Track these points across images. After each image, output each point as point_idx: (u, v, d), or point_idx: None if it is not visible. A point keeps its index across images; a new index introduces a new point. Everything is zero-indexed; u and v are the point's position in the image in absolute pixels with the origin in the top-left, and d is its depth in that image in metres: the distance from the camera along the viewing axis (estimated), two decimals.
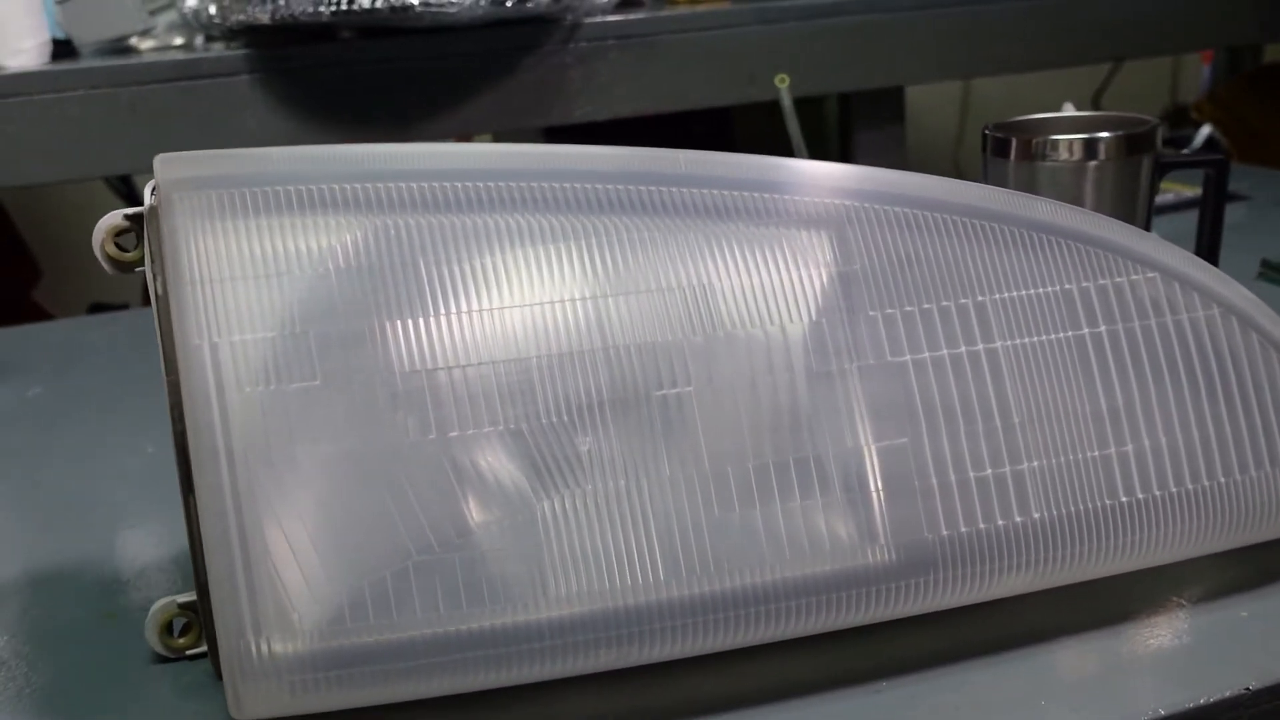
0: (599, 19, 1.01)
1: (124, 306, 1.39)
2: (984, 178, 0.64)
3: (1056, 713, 0.37)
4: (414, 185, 0.37)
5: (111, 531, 0.55)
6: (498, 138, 1.60)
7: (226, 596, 0.34)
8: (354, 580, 0.34)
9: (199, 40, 1.06)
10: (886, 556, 0.37)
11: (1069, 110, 0.76)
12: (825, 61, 1.08)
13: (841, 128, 1.19)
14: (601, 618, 0.35)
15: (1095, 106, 1.80)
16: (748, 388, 0.37)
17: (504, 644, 0.35)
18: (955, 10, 1.12)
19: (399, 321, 0.35)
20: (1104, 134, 0.60)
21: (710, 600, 0.36)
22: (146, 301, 1.41)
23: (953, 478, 0.38)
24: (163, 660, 0.43)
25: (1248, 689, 0.37)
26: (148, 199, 0.39)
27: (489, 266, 0.36)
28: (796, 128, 0.76)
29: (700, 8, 1.10)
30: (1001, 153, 0.63)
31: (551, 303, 0.36)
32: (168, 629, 0.43)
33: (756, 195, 0.38)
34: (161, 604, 0.43)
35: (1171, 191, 0.94)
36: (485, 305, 0.36)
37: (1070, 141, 0.60)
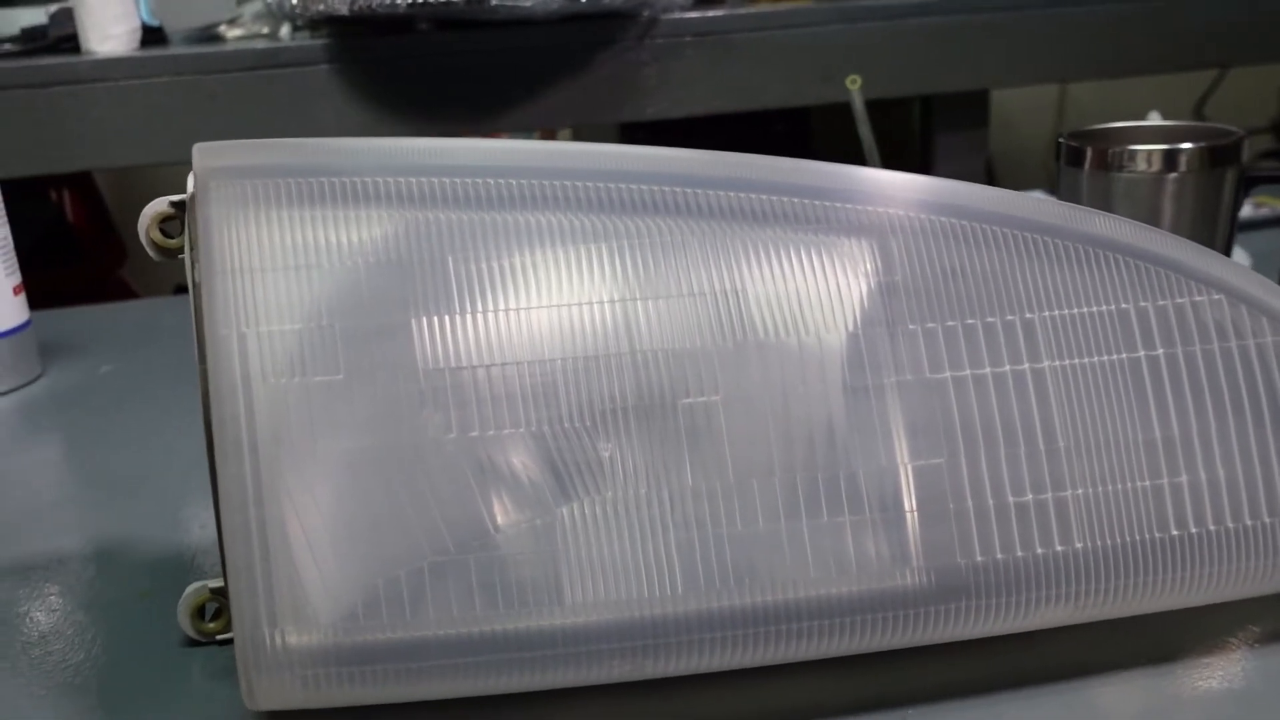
0: (675, 15, 1.00)
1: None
2: (1057, 187, 0.61)
3: None
4: (447, 180, 0.37)
5: (160, 511, 0.56)
6: (576, 133, 1.60)
7: (244, 587, 0.34)
8: (371, 577, 0.34)
9: (284, 30, 1.08)
10: (917, 580, 0.36)
11: (1155, 118, 0.73)
12: (906, 62, 1.06)
13: (923, 131, 1.16)
14: (617, 628, 0.35)
15: (1198, 115, 1.73)
16: (779, 399, 0.36)
17: (518, 649, 0.34)
18: (1045, 11, 1.08)
19: (425, 318, 0.35)
20: (1185, 145, 0.58)
21: (730, 616, 0.35)
22: None
23: (990, 502, 0.36)
24: (194, 644, 0.44)
25: None
26: (190, 187, 0.40)
27: (518, 265, 0.36)
28: (868, 130, 0.74)
29: (780, 5, 1.09)
30: (1076, 162, 0.60)
31: (579, 304, 0.36)
32: (199, 613, 0.43)
33: (797, 201, 0.37)
34: (194, 588, 0.43)
35: (1267, 207, 0.90)
36: (512, 305, 0.35)
37: (1149, 152, 0.58)
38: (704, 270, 0.36)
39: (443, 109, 0.99)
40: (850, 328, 0.36)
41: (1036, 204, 0.38)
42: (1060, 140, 0.61)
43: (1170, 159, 0.58)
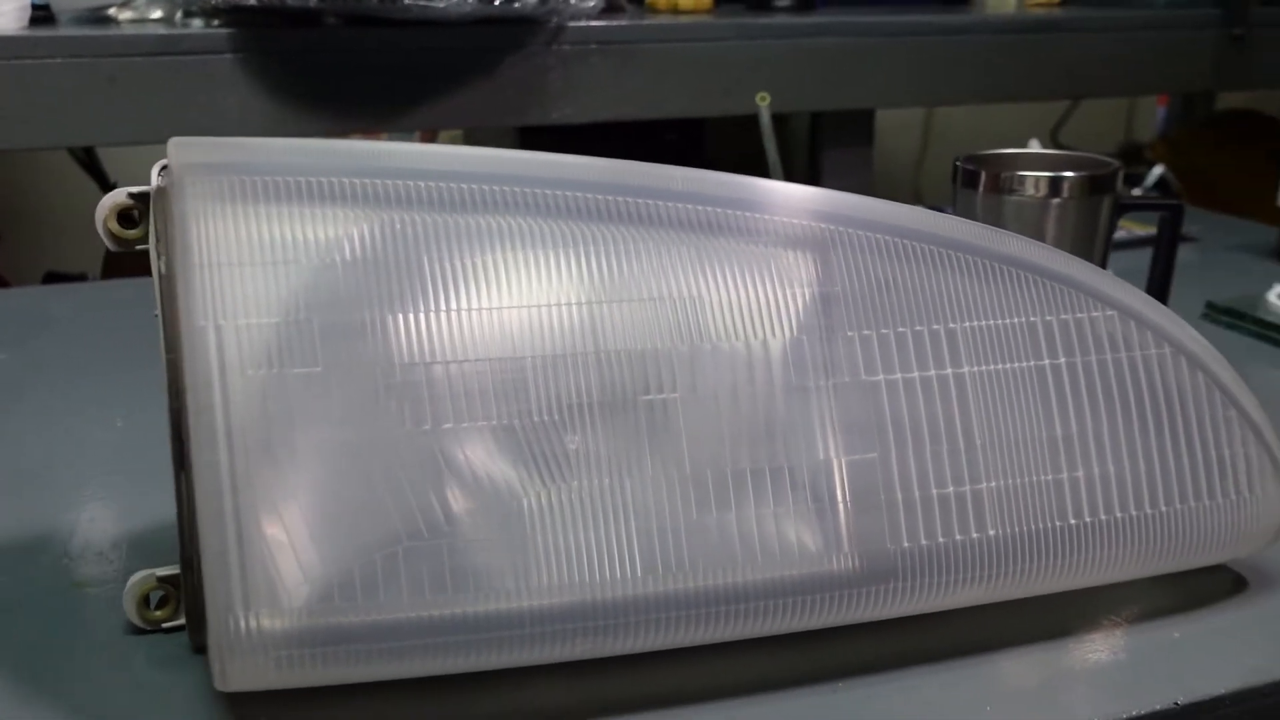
0: (583, 23, 1.03)
1: (81, 277, 1.37)
2: (953, 207, 0.66)
3: (995, 719, 0.39)
4: (420, 184, 0.38)
5: (81, 502, 0.55)
6: (467, 135, 1.60)
7: (218, 572, 0.35)
8: (344, 562, 0.36)
9: (178, 15, 1.06)
10: (850, 564, 0.39)
11: (1035, 146, 0.79)
12: (801, 81, 1.11)
13: (811, 147, 1.21)
14: (580, 609, 0.37)
15: (1054, 140, 1.84)
16: (729, 397, 0.39)
17: (486, 630, 0.36)
18: (929, 39, 1.15)
19: (400, 315, 0.37)
20: (1069, 173, 0.63)
21: (683, 597, 0.38)
22: (106, 273, 1.40)
23: (917, 493, 0.40)
24: (139, 632, 0.44)
25: (1176, 703, 0.40)
26: (155, 180, 0.40)
27: (489, 266, 0.38)
28: (774, 146, 0.78)
29: (682, 18, 1.12)
30: (971, 184, 0.65)
31: (547, 305, 0.38)
32: (144, 601, 0.44)
33: (747, 215, 0.40)
34: (140, 576, 0.44)
35: (1124, 229, 0.98)
36: (484, 304, 0.37)
37: (1037, 178, 0.63)
38: (663, 277, 0.39)
39: (350, 105, 0.99)
40: (794, 333, 0.39)
41: (958, 224, 0.42)
42: (956, 163, 0.66)
43: (1056, 185, 0.63)
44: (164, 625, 0.44)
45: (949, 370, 0.41)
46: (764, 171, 0.39)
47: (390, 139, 2.25)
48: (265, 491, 0.36)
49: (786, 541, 0.39)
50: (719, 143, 1.45)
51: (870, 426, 0.40)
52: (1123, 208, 0.65)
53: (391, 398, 0.37)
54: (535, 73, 1.02)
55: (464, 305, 0.37)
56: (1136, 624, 0.44)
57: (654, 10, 1.16)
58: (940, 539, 0.40)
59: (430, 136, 2.21)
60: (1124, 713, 0.39)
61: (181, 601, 0.44)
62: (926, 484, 0.40)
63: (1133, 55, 1.25)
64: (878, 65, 1.13)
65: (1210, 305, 0.81)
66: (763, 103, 0.75)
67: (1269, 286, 0.83)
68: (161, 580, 0.43)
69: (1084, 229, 0.64)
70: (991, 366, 0.41)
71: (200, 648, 0.43)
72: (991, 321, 0.41)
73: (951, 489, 0.40)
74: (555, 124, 1.05)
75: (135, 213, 0.42)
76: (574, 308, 0.38)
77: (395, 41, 0.98)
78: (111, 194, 0.42)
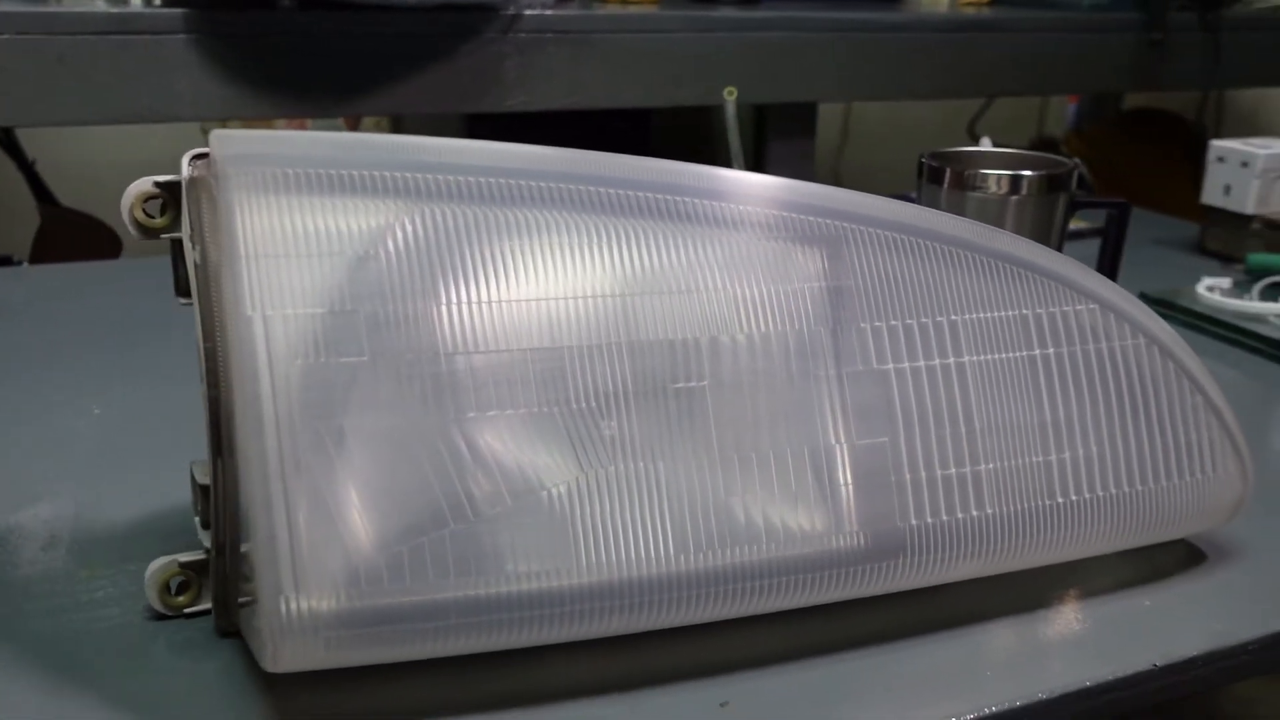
0: (539, 12, 1.04)
1: (7, 260, 1.33)
2: (918, 200, 0.69)
3: (995, 683, 0.42)
4: (456, 178, 0.39)
5: (73, 492, 0.55)
6: (395, 123, 1.59)
7: (269, 557, 0.36)
8: (391, 544, 0.37)
9: None
10: (864, 541, 0.42)
11: (986, 144, 0.83)
12: (749, 74, 1.13)
13: (756, 138, 1.24)
14: (616, 587, 0.39)
15: (970, 134, 1.91)
16: (753, 385, 0.41)
17: (528, 608, 0.38)
18: (869, 36, 1.18)
19: (443, 305, 0.38)
20: (1028, 172, 0.67)
21: (711, 575, 0.40)
22: (35, 256, 1.36)
23: (923, 474, 0.43)
24: (159, 618, 0.44)
25: (1154, 665, 0.43)
26: (185, 170, 0.41)
27: (527, 259, 0.39)
28: (738, 139, 0.80)
29: (632, 8, 1.14)
30: (936, 180, 0.68)
31: (583, 297, 0.39)
32: (165, 587, 0.44)
33: (765, 211, 0.42)
34: (162, 562, 0.44)
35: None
36: (523, 295, 0.39)
37: (999, 176, 0.67)
38: (691, 270, 0.41)
39: (304, 89, 0.98)
40: (812, 324, 0.42)
41: (957, 222, 0.45)
42: (922, 160, 0.70)
43: (1016, 183, 0.67)
44: (186, 611, 0.44)
45: (951, 359, 0.43)
46: (712, 161, 0.40)
47: (315, 126, 2.20)
48: (314, 478, 0.37)
49: (806, 520, 0.41)
50: (664, 133, 1.47)
51: (881, 412, 0.42)
52: (1076, 205, 0.69)
53: (436, 386, 0.38)
54: (491, 60, 1.03)
55: (504, 296, 0.39)
56: (1110, 595, 0.48)
57: (603, 1, 1.17)
58: (944, 517, 0.43)
59: (354, 123, 2.18)
60: (1109, 675, 0.42)
61: (204, 587, 0.44)
62: (932, 465, 0.43)
63: (1058, 55, 1.31)
64: (821, 60, 1.17)
65: (1143, 296, 0.86)
66: (730, 97, 0.77)
67: (1197, 279, 0.89)
68: (183, 566, 0.44)
69: (1041, 224, 0.68)
70: (988, 356, 0.44)
71: (226, 632, 0.43)
72: (988, 314, 0.44)
73: (954, 470, 0.43)
74: (510, 111, 1.05)
75: (160, 201, 0.42)
76: (609, 300, 0.40)
77: (350, 26, 0.98)
78: (137, 183, 0.42)
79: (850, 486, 0.42)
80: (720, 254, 0.41)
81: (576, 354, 0.39)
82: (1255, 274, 0.90)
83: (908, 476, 0.42)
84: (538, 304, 0.39)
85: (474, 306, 0.38)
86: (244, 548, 0.41)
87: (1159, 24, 1.32)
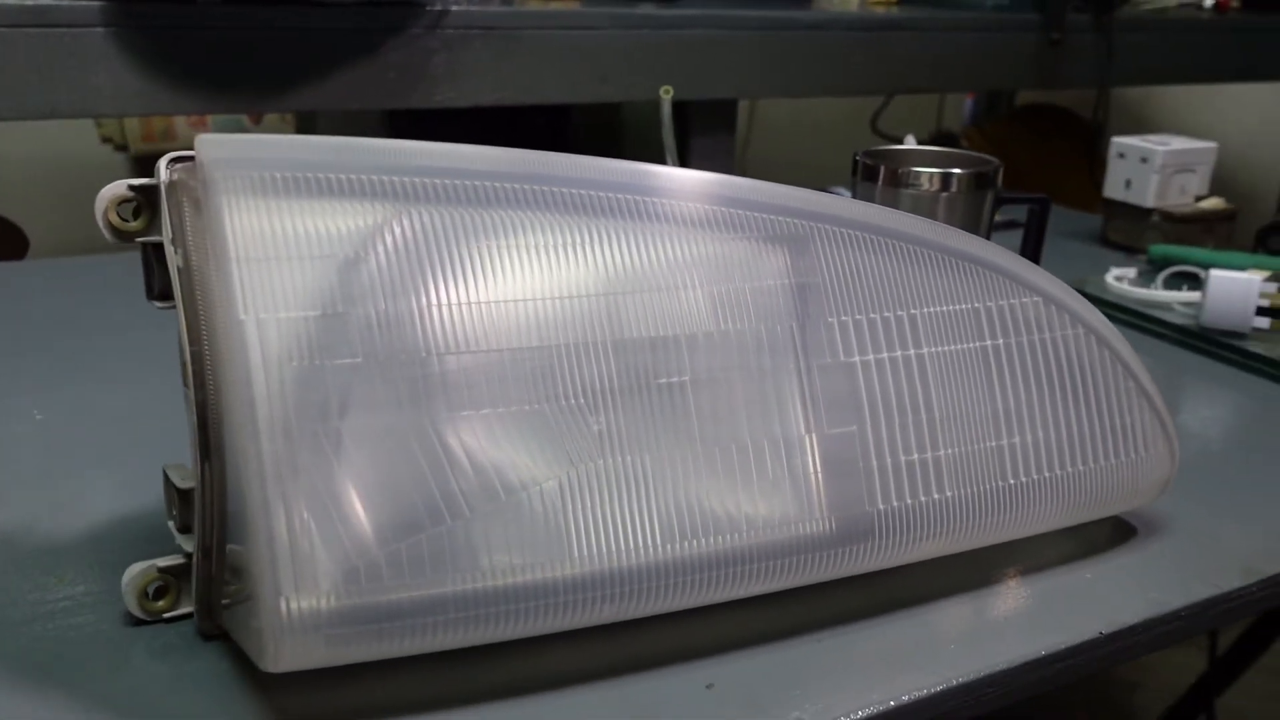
0: (465, 7, 1.03)
1: None
2: (853, 196, 0.72)
3: (956, 656, 0.44)
4: (442, 181, 0.40)
5: (23, 500, 0.54)
6: (303, 121, 1.57)
7: (267, 558, 0.36)
8: (389, 541, 0.38)
9: None
10: (836, 525, 0.44)
11: (910, 142, 0.86)
12: (671, 70, 1.15)
13: (679, 134, 1.26)
14: (607, 576, 0.40)
15: (873, 129, 1.96)
16: (731, 379, 0.43)
17: (525, 600, 0.39)
18: (786, 34, 1.21)
19: (435, 306, 0.39)
20: (957, 170, 0.70)
21: (696, 562, 0.41)
22: None
23: (889, 460, 0.45)
24: (137, 623, 0.44)
25: (1100, 633, 0.46)
26: (163, 173, 0.41)
27: (516, 260, 0.40)
28: (672, 137, 0.82)
29: (553, 5, 1.14)
30: (870, 177, 0.71)
31: (571, 297, 0.40)
32: (144, 592, 0.44)
33: (741, 212, 0.44)
34: (141, 568, 0.44)
35: None
36: (513, 295, 0.40)
37: (931, 174, 0.70)
38: (671, 269, 0.42)
39: (227, 84, 0.96)
40: (785, 319, 0.44)
41: (915, 220, 0.47)
42: (857, 158, 0.72)
43: (946, 180, 0.70)
44: (166, 616, 0.44)
45: (912, 351, 0.46)
46: (631, 157, 0.42)
47: (215, 123, 2.13)
48: (311, 479, 0.37)
49: (783, 507, 0.43)
50: (584, 125, 1.48)
51: (849, 402, 0.44)
52: (1001, 200, 0.72)
53: (428, 385, 0.39)
54: (418, 56, 1.02)
55: (493, 297, 0.40)
56: (1052, 570, 0.51)
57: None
58: (909, 500, 0.45)
59: (257, 119, 2.13)
60: (1061, 644, 0.45)
61: (184, 591, 0.44)
62: (896, 452, 0.45)
63: (963, 54, 1.36)
64: (742, 58, 1.19)
65: None
66: (666, 95, 0.79)
67: (1103, 269, 0.94)
68: (162, 571, 0.44)
69: (970, 219, 0.71)
70: (945, 347, 0.47)
71: (210, 635, 0.43)
72: (944, 308, 0.47)
73: (916, 456, 0.45)
74: (438, 107, 1.05)
75: (133, 205, 0.42)
76: (594, 299, 0.41)
77: (274, 20, 0.97)
78: (110, 186, 0.42)
79: (823, 474, 0.44)
80: (696, 253, 0.43)
81: (564, 352, 0.40)
82: (1157, 264, 0.95)
83: (874, 463, 0.45)
84: (526, 304, 0.40)
85: (464, 307, 0.39)
86: (231, 550, 0.41)
87: (1058, 24, 1.38)
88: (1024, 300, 0.49)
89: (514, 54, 1.07)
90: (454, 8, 1.03)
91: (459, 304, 0.39)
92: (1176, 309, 0.85)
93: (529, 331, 0.40)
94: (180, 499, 0.44)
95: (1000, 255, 0.49)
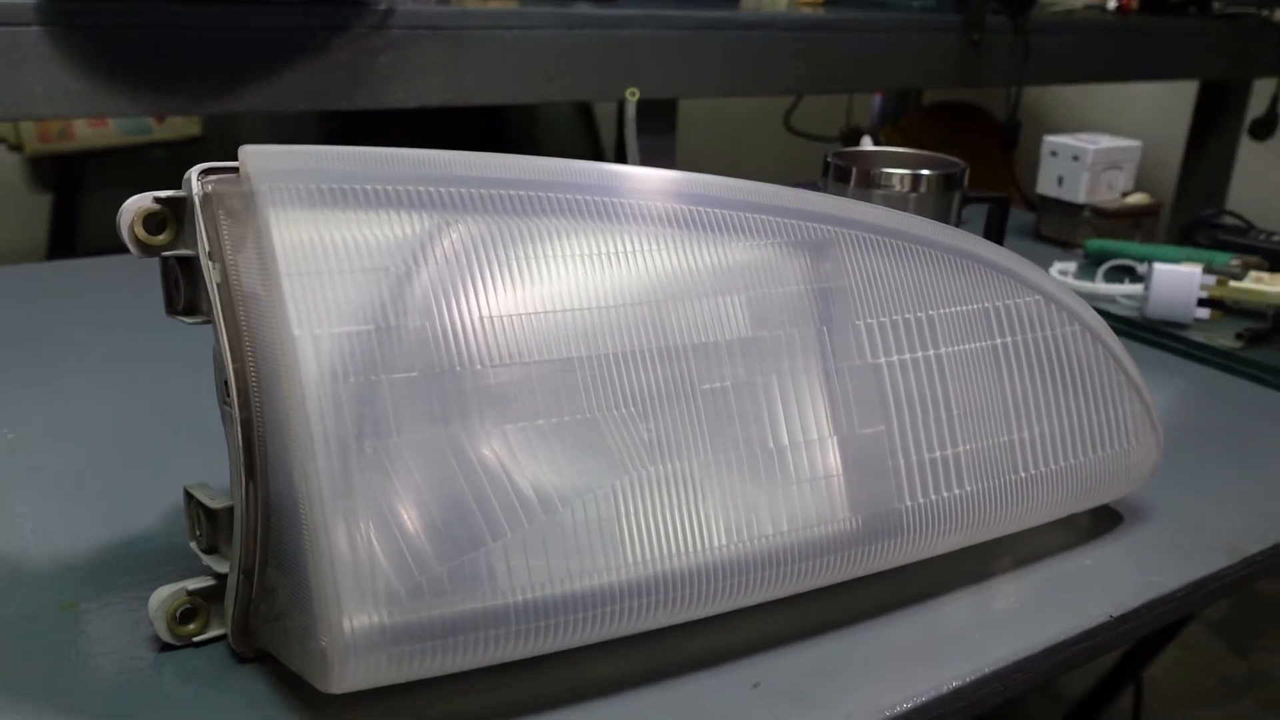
0: (411, 7, 1.02)
1: None
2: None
3: (984, 644, 0.46)
4: (491, 191, 0.40)
5: (16, 523, 0.51)
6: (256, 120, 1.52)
7: (328, 577, 0.36)
8: (449, 555, 0.37)
9: None
10: (866, 524, 0.45)
11: (867, 143, 0.88)
12: (614, 69, 1.15)
13: (619, 133, 1.26)
14: (659, 581, 0.40)
15: (786, 125, 1.99)
16: (770, 383, 0.43)
17: (583, 608, 0.39)
18: (727, 34, 1.23)
19: (488, 318, 0.39)
20: (926, 171, 0.72)
21: (741, 563, 0.42)
22: None
23: (914, 458, 0.46)
24: (165, 648, 0.43)
25: (1110, 616, 0.48)
26: (195, 185, 0.39)
27: (565, 269, 0.40)
28: (634, 136, 0.83)
29: (493, 4, 1.13)
30: (843, 178, 0.73)
31: (621, 305, 0.41)
32: (173, 616, 0.43)
33: (771, 219, 0.45)
34: (170, 591, 0.42)
35: None
36: (564, 305, 0.40)
37: (902, 175, 0.72)
38: (711, 276, 0.43)
39: (169, 84, 0.93)
40: (816, 323, 0.45)
41: (928, 224, 0.49)
42: (828, 159, 0.74)
43: (916, 181, 0.72)
44: (195, 640, 0.43)
45: (931, 351, 0.47)
46: (556, 154, 0.42)
47: (117, 124, 2.06)
48: (369, 495, 0.37)
49: (820, 506, 0.44)
50: (516, 126, 1.48)
51: (877, 402, 0.46)
52: (966, 199, 0.75)
53: (483, 398, 0.38)
54: (364, 55, 1.01)
55: (546, 306, 0.40)
56: (1051, 558, 0.53)
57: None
58: (932, 496, 0.46)
59: (161, 120, 2.05)
60: (1075, 629, 0.47)
61: (213, 614, 0.43)
62: (921, 449, 0.46)
63: (891, 54, 1.39)
64: (679, 56, 1.20)
65: None
66: (632, 98, 0.80)
67: (1047, 264, 0.98)
68: (192, 594, 0.43)
69: (940, 218, 0.73)
70: (960, 346, 0.48)
71: (247, 658, 0.42)
72: (958, 308, 0.48)
73: (938, 453, 0.47)
74: (383, 108, 1.03)
75: (161, 218, 0.41)
76: (642, 306, 0.41)
77: (219, 19, 0.94)
78: (135, 199, 0.40)
79: (855, 473, 0.45)
80: (732, 259, 0.43)
81: (615, 360, 0.40)
82: (1094, 258, 1.00)
83: (901, 461, 0.46)
84: (577, 314, 0.40)
85: (517, 319, 0.39)
86: (273, 569, 0.40)
87: (978, 25, 1.42)
88: (1027, 299, 0.50)
89: (461, 54, 1.06)
90: (400, 7, 1.01)
91: (510, 315, 0.39)
92: (1120, 301, 0.89)
93: (580, 340, 0.40)
94: (208, 519, 0.43)
95: (1002, 255, 0.51)
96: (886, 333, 0.46)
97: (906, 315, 0.47)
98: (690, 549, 0.41)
